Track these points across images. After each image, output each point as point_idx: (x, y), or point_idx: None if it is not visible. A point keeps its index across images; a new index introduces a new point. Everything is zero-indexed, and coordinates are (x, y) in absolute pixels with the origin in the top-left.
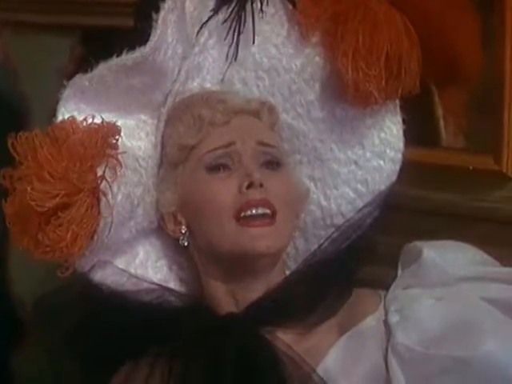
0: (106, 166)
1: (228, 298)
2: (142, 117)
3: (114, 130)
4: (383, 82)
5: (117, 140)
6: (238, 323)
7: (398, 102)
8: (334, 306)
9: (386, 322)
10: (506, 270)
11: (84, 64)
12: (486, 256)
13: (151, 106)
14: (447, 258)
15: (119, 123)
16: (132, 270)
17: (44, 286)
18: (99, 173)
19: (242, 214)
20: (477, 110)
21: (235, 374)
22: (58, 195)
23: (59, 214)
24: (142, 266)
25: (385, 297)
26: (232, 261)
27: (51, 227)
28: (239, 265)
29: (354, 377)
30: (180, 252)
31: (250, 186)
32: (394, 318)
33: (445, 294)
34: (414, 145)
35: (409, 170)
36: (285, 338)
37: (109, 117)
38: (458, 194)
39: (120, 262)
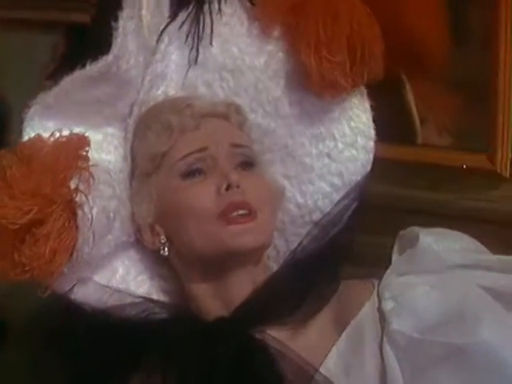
0: (79, 178)
1: (215, 301)
2: (109, 130)
3: (83, 142)
4: (348, 68)
5: (87, 152)
6: (228, 327)
7: (364, 89)
8: (323, 296)
9: (380, 310)
10: (502, 258)
11: (67, 64)
12: (480, 245)
13: (117, 118)
14: (444, 244)
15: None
16: (113, 286)
17: (25, 289)
18: (72, 186)
19: (228, 216)
20: (470, 107)
21: (231, 379)
22: (30, 211)
23: (33, 230)
24: (123, 282)
25: (378, 284)
26: (217, 262)
27: (27, 245)
28: (224, 264)
29: (357, 376)
30: (161, 263)
31: (228, 187)
32: (388, 305)
33: (440, 280)
34: (402, 143)
35: (400, 169)
36: (278, 336)
37: (76, 132)
38: (450, 194)
39: (100, 279)
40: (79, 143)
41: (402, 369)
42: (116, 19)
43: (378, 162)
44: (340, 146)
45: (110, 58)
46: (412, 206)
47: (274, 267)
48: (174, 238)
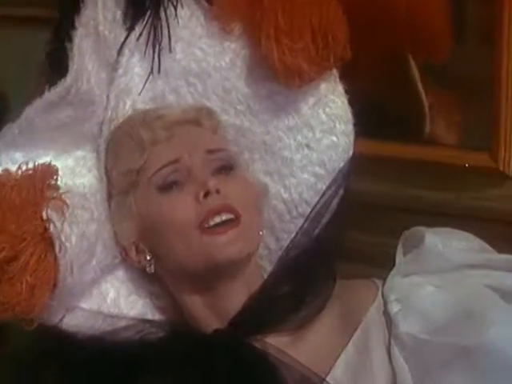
0: (47, 208)
1: (210, 313)
2: (80, 153)
3: (50, 171)
4: (312, 54)
5: (56, 180)
6: (225, 339)
7: (336, 73)
8: (321, 296)
9: (385, 313)
10: (509, 257)
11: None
12: (485, 245)
13: (87, 139)
14: (449, 244)
15: (58, 165)
16: (105, 311)
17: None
18: (45, 217)
19: (206, 225)
20: (473, 105)
21: None
22: (3, 249)
23: (6, 268)
24: (115, 305)
25: (382, 285)
26: (206, 274)
27: (3, 283)
28: (214, 276)
29: (366, 382)
30: (150, 281)
31: (206, 194)
32: (395, 308)
33: (447, 281)
34: (407, 141)
35: (401, 168)
36: (278, 343)
37: (46, 160)
38: (452, 193)
39: (91, 305)
40: (47, 173)
41: (411, 371)
42: (70, 40)
43: (379, 161)
44: (318, 134)
45: (67, 81)
46: (414, 205)
47: (267, 266)
48: (160, 254)
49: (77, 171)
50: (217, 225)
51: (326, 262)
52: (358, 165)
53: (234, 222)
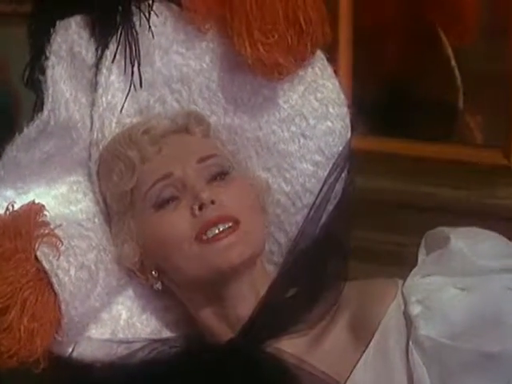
0: (39, 246)
1: (221, 324)
2: (73, 178)
3: (36, 209)
4: (287, 46)
5: (44, 216)
6: (238, 348)
7: (323, 56)
8: (334, 292)
9: (406, 314)
10: None
11: None
12: None
13: (77, 164)
14: (476, 248)
15: (52, 194)
16: (120, 334)
17: None
18: (40, 256)
19: (205, 237)
20: (485, 104)
21: None
22: None
23: (1, 318)
24: (129, 326)
25: (402, 285)
26: (212, 283)
27: (0, 334)
28: (220, 284)
29: None
30: (161, 295)
31: (201, 207)
32: (415, 310)
33: (471, 283)
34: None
35: (415, 166)
36: (294, 350)
37: (39, 193)
38: (465, 190)
39: (104, 332)
40: (33, 212)
41: (430, 375)
42: (43, 72)
43: (397, 160)
44: (312, 122)
45: (44, 114)
46: (426, 203)
47: (280, 261)
48: (165, 269)
49: (72, 198)
50: (215, 235)
51: (337, 256)
52: (371, 163)
53: (232, 227)
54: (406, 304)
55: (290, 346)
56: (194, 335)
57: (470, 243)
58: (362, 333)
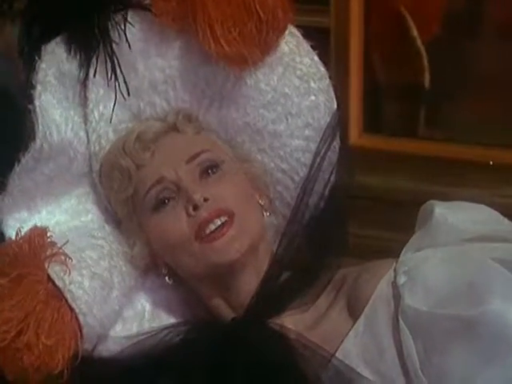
0: (49, 266)
1: (228, 308)
2: (80, 190)
3: (39, 232)
4: (249, 37)
5: (50, 237)
6: (242, 324)
7: (297, 33)
8: (331, 264)
9: (394, 284)
10: None
11: None
12: (501, 217)
13: (82, 176)
14: (460, 216)
15: (62, 208)
16: (146, 326)
17: None
18: (52, 275)
19: (203, 234)
20: (496, 103)
21: (253, 374)
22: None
23: (17, 341)
24: (155, 317)
25: (396, 262)
26: (217, 275)
27: (21, 353)
28: (225, 275)
29: (375, 353)
30: (178, 284)
31: (195, 207)
32: (401, 280)
33: (452, 253)
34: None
35: (426, 165)
36: (295, 327)
37: (51, 210)
38: (476, 190)
39: (131, 328)
40: (38, 235)
41: (415, 344)
42: (31, 101)
43: (404, 159)
44: (296, 99)
45: (36, 142)
46: None
47: None
48: (172, 266)
49: (81, 209)
50: (212, 231)
51: (337, 229)
52: (382, 162)
53: (228, 221)
54: (395, 276)
55: (291, 324)
56: (200, 318)
57: (453, 211)
58: (356, 309)
